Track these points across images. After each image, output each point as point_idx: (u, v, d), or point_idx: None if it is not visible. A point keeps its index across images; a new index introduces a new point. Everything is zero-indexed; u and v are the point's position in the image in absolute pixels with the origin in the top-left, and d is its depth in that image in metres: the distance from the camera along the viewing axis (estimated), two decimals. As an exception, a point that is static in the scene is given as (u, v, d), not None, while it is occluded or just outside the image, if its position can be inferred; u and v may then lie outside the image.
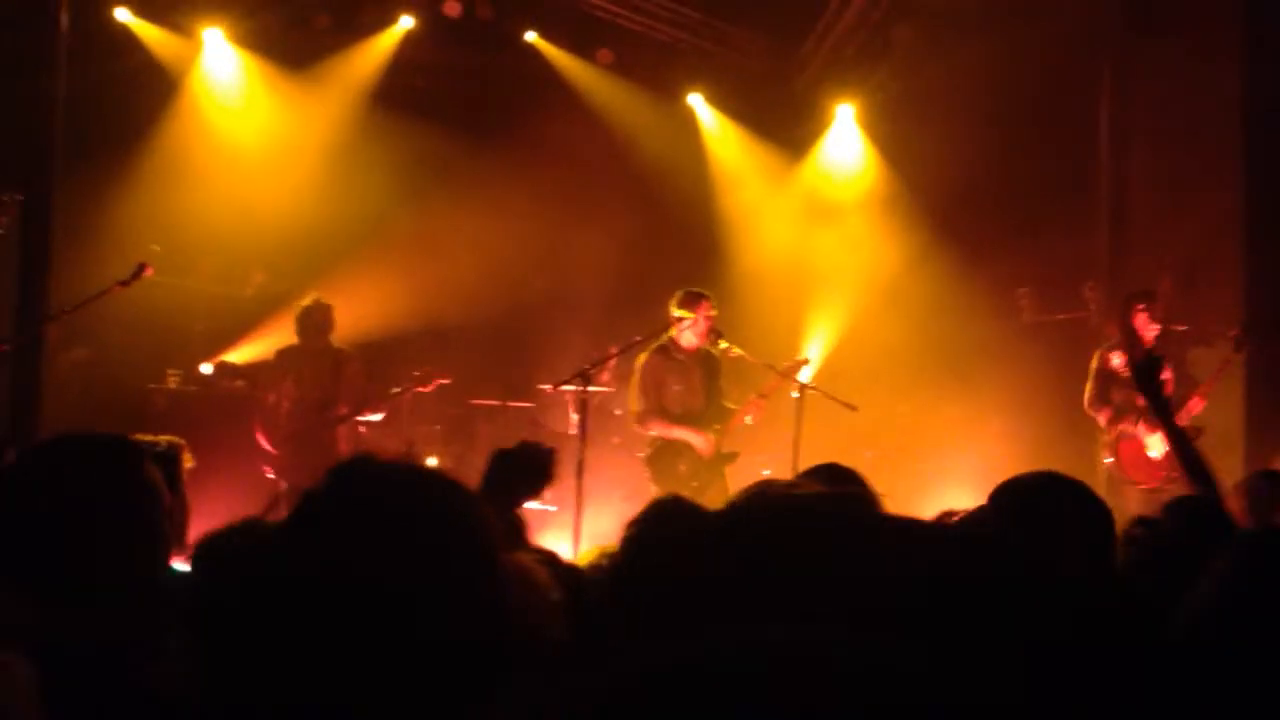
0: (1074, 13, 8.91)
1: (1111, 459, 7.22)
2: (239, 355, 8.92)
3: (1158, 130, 8.80)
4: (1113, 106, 9.05)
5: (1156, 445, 6.93)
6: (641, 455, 7.12)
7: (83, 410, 7.72)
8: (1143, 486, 6.92)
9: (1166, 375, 7.29)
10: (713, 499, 6.86)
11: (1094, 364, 7.38)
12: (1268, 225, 7.67)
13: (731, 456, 7.02)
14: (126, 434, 3.13)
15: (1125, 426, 7.14)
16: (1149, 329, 7.23)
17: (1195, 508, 3.44)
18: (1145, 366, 4.02)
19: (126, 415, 7.74)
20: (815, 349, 9.30)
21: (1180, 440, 3.83)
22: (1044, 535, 2.28)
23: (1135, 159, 9.11)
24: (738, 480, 7.02)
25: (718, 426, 6.96)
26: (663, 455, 6.96)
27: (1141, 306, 7.23)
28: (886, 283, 9.46)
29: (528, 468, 2.54)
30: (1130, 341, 7.11)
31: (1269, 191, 7.64)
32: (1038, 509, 2.41)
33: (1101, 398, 7.25)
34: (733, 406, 7.06)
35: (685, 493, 6.84)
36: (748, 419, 6.98)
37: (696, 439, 6.90)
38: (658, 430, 6.94)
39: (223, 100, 9.49)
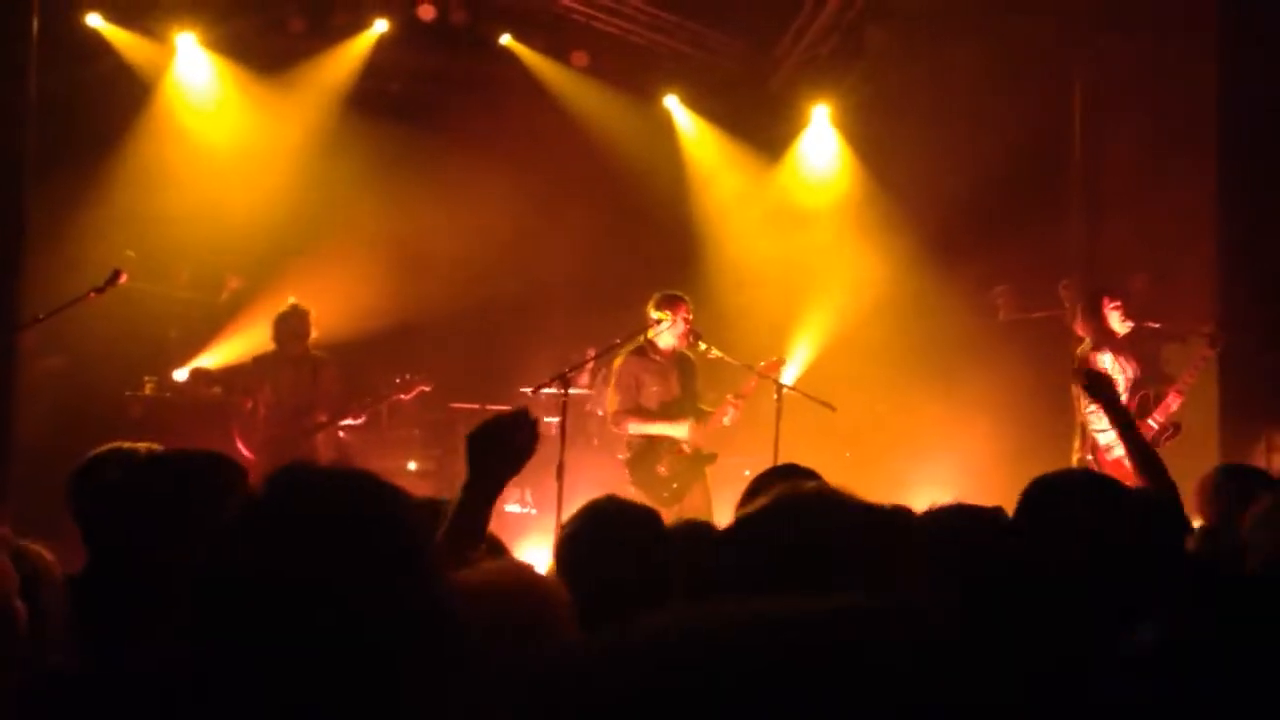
0: (1047, 12, 8.97)
1: (1090, 457, 7.25)
2: (214, 360, 8.87)
3: (1131, 128, 8.86)
4: (1086, 104, 9.11)
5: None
6: (622, 458, 7.11)
7: (57, 419, 7.64)
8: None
9: (1134, 373, 7.35)
10: (693, 500, 6.86)
11: (1075, 366, 7.40)
12: (1241, 222, 7.72)
13: (711, 458, 7.02)
14: (102, 442, 3.14)
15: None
16: (1123, 325, 7.26)
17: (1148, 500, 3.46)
18: (1095, 380, 4.04)
19: (102, 423, 7.67)
20: (793, 350, 9.32)
21: (1138, 446, 3.83)
22: (1068, 536, 2.25)
23: (1109, 157, 9.17)
24: (718, 482, 7.02)
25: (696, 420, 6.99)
26: (643, 458, 6.95)
27: (1115, 303, 7.25)
28: (863, 283, 9.49)
29: (501, 442, 2.43)
30: (1087, 348, 7.14)
31: (1242, 189, 7.69)
32: (1061, 509, 2.38)
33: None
34: (709, 409, 7.06)
35: (665, 494, 6.85)
36: (726, 419, 6.98)
37: (675, 429, 6.91)
38: (635, 426, 6.93)
39: (196, 105, 9.42)
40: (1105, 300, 7.24)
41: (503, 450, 2.41)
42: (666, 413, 6.94)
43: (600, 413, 8.50)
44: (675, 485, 6.86)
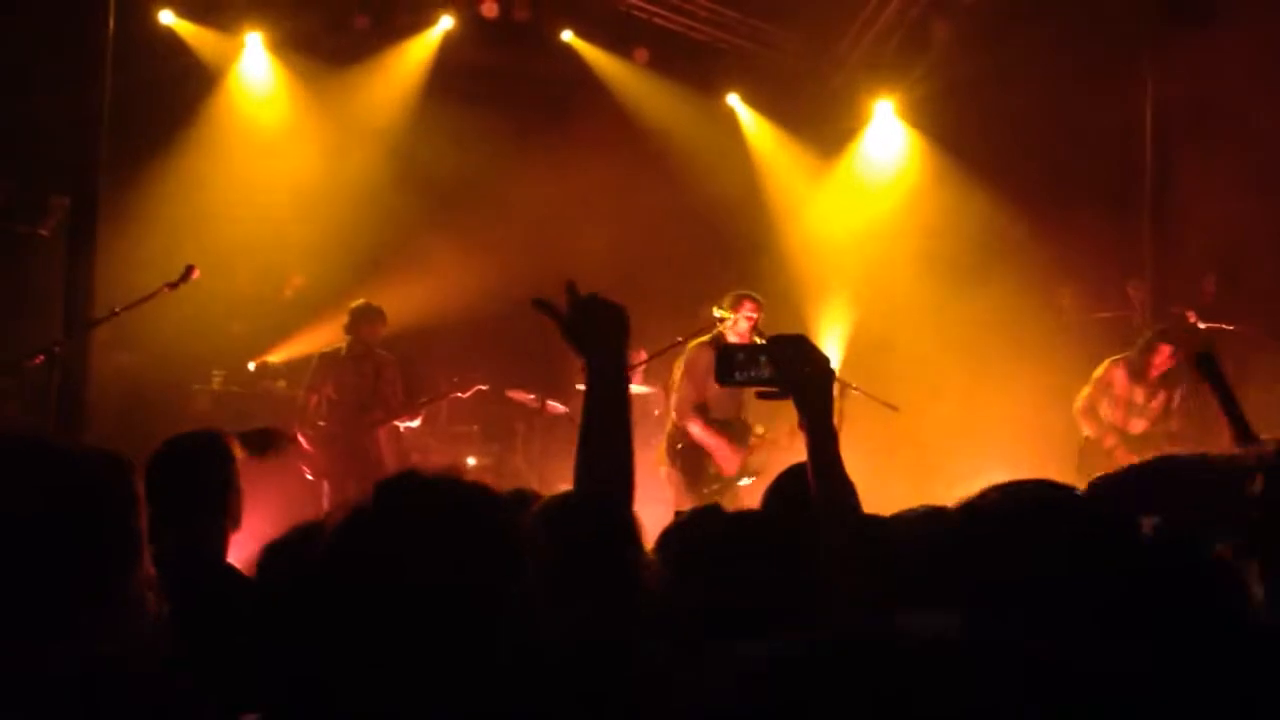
0: (1114, 5, 8.81)
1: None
2: (279, 356, 9.00)
3: (1200, 122, 8.68)
4: (1155, 99, 8.94)
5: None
6: (679, 447, 7.12)
7: (127, 412, 7.81)
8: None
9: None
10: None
11: (1098, 373, 7.36)
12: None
13: (749, 478, 7.01)
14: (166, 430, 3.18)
15: (1109, 443, 7.18)
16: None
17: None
18: (1206, 359, 3.92)
19: (170, 416, 7.83)
20: (854, 348, 9.26)
21: (1244, 431, 3.71)
22: None
23: (1178, 152, 9.00)
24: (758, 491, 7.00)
25: (749, 441, 7.00)
26: (695, 451, 6.98)
27: (1193, 314, 7.26)
28: (927, 281, 9.40)
29: (597, 317, 2.24)
30: (1184, 340, 7.09)
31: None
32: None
33: (1091, 409, 7.30)
34: (758, 432, 7.06)
35: (706, 490, 6.87)
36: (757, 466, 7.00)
37: (723, 455, 6.91)
38: (697, 432, 6.94)
39: (264, 103, 9.54)
40: (1189, 312, 7.20)
41: (602, 325, 2.25)
42: (729, 433, 6.94)
43: (657, 413, 8.51)
44: (716, 486, 6.90)
